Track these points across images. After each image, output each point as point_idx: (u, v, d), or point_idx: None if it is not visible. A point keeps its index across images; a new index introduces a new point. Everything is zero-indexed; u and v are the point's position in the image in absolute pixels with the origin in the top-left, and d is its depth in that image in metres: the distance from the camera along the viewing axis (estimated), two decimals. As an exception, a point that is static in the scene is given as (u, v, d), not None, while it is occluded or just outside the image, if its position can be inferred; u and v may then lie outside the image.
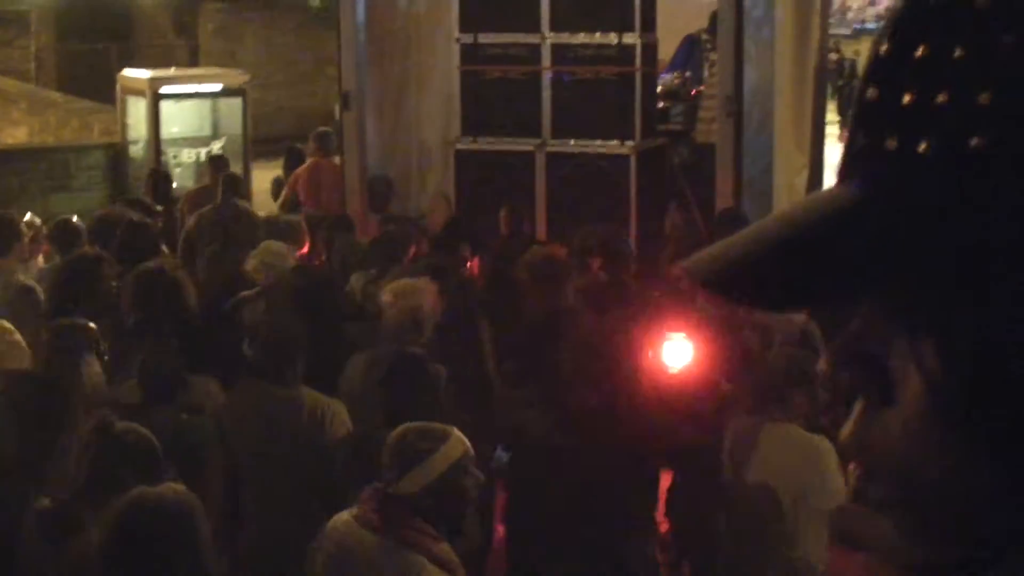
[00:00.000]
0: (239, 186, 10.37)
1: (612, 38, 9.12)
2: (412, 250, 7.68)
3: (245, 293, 6.53)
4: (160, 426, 4.32)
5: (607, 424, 4.71)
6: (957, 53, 0.65)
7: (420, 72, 10.34)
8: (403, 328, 5.59)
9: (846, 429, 0.74)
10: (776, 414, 4.84)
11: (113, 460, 3.69)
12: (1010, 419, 0.65)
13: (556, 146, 9.34)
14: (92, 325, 5.09)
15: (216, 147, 15.67)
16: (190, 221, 8.85)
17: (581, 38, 9.22)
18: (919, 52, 0.67)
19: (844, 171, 0.72)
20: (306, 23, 23.51)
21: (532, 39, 9.32)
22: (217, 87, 16.28)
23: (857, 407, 0.73)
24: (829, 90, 16.27)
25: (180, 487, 3.38)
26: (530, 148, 9.35)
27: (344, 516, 3.71)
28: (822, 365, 0.76)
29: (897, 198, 0.67)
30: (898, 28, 0.70)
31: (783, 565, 4.75)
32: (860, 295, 0.72)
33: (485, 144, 9.51)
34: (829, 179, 15.26)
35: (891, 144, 0.68)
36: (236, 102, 16.05)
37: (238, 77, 16.52)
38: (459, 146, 9.62)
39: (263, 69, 21.43)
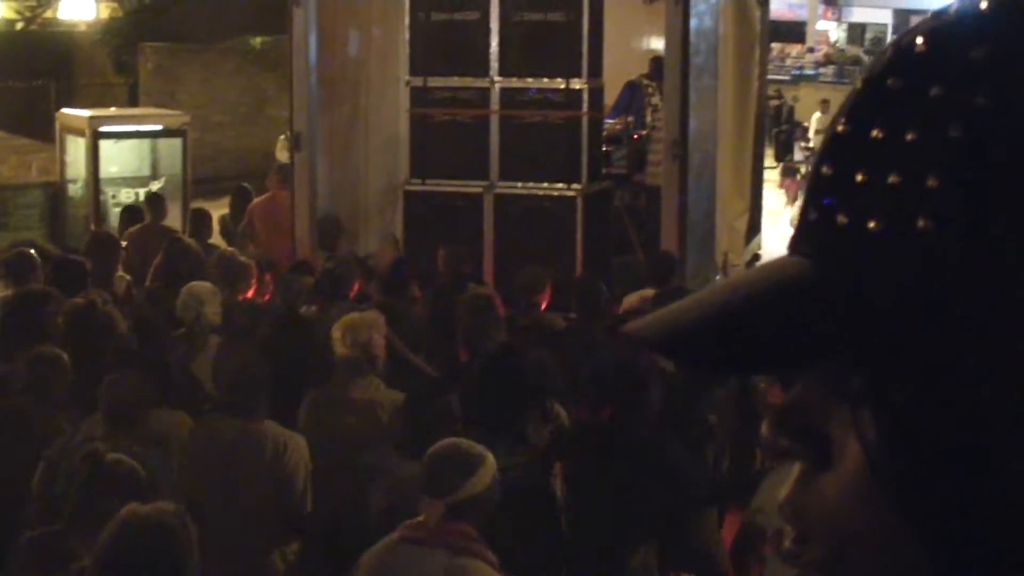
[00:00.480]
0: (206, 223, 10.54)
1: (560, 83, 9.36)
2: (356, 287, 7.86)
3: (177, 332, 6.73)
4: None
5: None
6: (909, 137, 0.68)
7: (369, 114, 10.52)
8: (357, 362, 5.76)
9: (783, 491, 0.76)
10: None
11: (102, 489, 3.80)
12: (943, 491, 0.67)
13: (504, 188, 9.53)
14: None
15: (155, 187, 15.71)
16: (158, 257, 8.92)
17: (529, 83, 9.44)
18: (874, 133, 0.70)
19: (795, 243, 0.75)
20: (246, 64, 23.56)
21: (481, 83, 9.52)
22: (157, 127, 16.34)
23: (795, 470, 0.76)
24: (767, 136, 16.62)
25: (171, 506, 3.51)
26: (478, 190, 9.53)
27: (386, 542, 3.87)
28: (764, 429, 0.77)
29: (844, 273, 0.69)
30: (856, 109, 0.72)
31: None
32: (803, 365, 0.73)
33: (433, 186, 9.67)
34: (767, 223, 15.65)
35: (842, 220, 0.70)
36: (176, 143, 16.11)
37: (178, 118, 16.60)
38: (407, 187, 9.78)
39: (202, 109, 21.45)
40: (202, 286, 7.43)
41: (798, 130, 21.44)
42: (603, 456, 4.65)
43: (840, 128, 0.72)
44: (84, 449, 3.98)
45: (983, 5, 0.70)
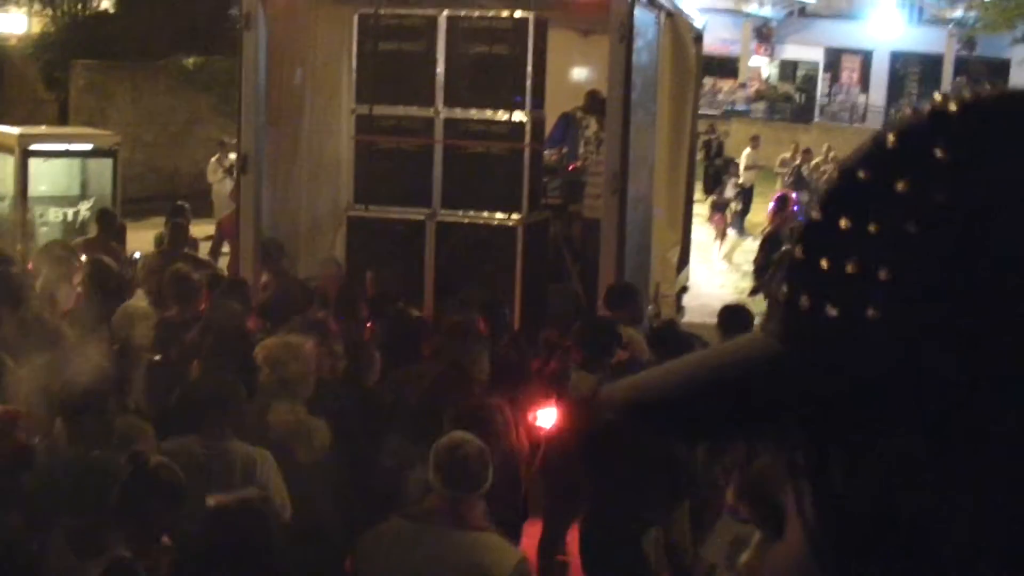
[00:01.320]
0: (185, 235, 10.86)
1: (503, 115, 9.67)
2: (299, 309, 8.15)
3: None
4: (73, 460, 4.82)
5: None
6: (871, 228, 0.70)
7: (312, 139, 10.79)
8: (289, 383, 6.02)
9: (744, 556, 0.98)
10: None
11: (143, 492, 4.18)
12: (873, 567, 0.70)
13: (446, 216, 9.80)
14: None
15: (85, 207, 15.78)
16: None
17: (473, 114, 9.77)
18: (842, 222, 0.72)
19: (765, 320, 0.78)
20: (178, 83, 23.70)
21: (426, 113, 9.81)
22: (88, 147, 16.39)
23: (756, 536, 0.97)
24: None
25: (255, 491, 3.92)
26: (421, 217, 9.80)
27: (400, 521, 4.46)
28: (729, 496, 1.00)
29: (801, 355, 0.72)
30: (829, 197, 0.75)
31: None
32: (762, 438, 0.80)
33: (376, 212, 9.91)
34: (696, 257, 16.13)
35: (804, 304, 0.73)
36: (107, 163, 16.15)
37: (110, 138, 16.65)
38: (351, 213, 10.03)
39: (133, 127, 21.57)
40: (135, 307, 7.69)
41: (731, 165, 21.90)
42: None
43: (814, 215, 0.75)
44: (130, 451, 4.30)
45: (952, 107, 0.73)
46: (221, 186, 18.03)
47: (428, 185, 9.84)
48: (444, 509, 4.40)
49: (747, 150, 23.50)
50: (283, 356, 6.10)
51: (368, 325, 8.16)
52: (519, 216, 9.72)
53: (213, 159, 18.26)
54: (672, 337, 7.55)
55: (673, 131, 11.98)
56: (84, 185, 16.36)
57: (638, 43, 9.32)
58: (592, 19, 11.11)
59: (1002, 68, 42.63)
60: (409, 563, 4.31)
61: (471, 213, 9.80)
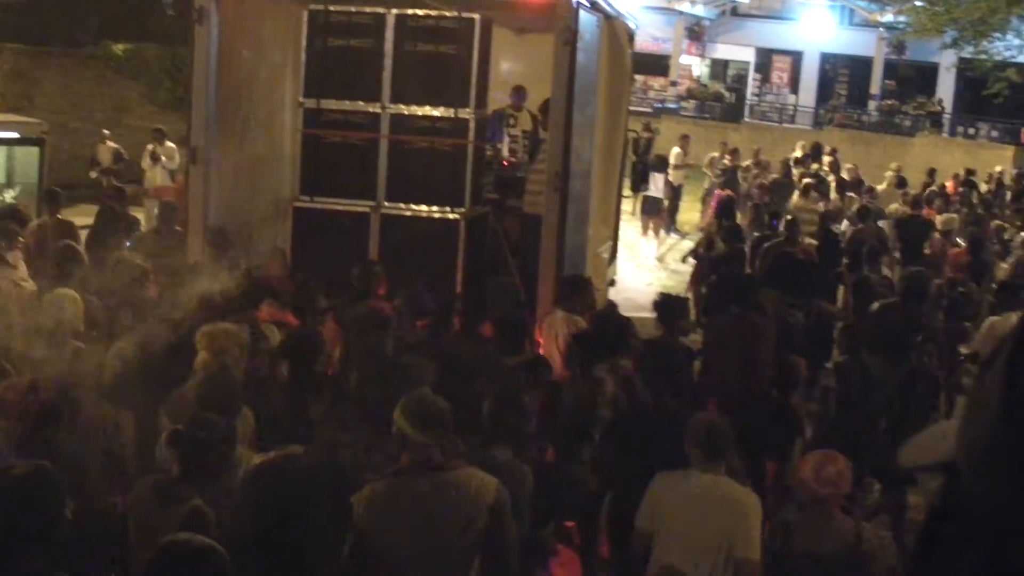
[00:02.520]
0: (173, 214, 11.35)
1: (448, 112, 10.20)
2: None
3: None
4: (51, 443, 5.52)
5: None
6: None
7: (258, 132, 11.22)
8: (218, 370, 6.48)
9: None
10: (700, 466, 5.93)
11: (199, 451, 5.19)
12: None
13: (390, 209, 10.32)
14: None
15: (10, 195, 16.02)
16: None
17: (419, 110, 10.28)
18: None
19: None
20: (107, 71, 23.85)
21: (373, 108, 10.32)
22: (14, 135, 16.56)
23: None
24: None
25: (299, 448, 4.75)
26: (366, 210, 10.32)
27: (387, 480, 5.06)
28: None
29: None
30: None
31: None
32: None
33: (322, 203, 10.41)
34: (624, 255, 16.76)
35: None
36: (33, 151, 16.37)
37: (37, 126, 16.81)
38: (297, 204, 10.52)
39: (60, 115, 21.74)
40: (64, 293, 8.07)
41: (663, 163, 22.46)
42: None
43: None
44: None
45: None
46: (152, 173, 18.35)
47: (373, 178, 10.34)
48: (422, 459, 5.00)
49: (676, 149, 23.92)
50: (221, 340, 6.68)
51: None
52: (462, 210, 10.25)
53: (149, 146, 18.55)
54: (612, 319, 8.30)
55: (608, 130, 12.53)
56: (10, 173, 16.59)
57: (580, 45, 9.78)
58: (529, 18, 11.68)
59: (930, 72, 43.92)
60: (407, 512, 4.91)
61: (415, 207, 10.31)
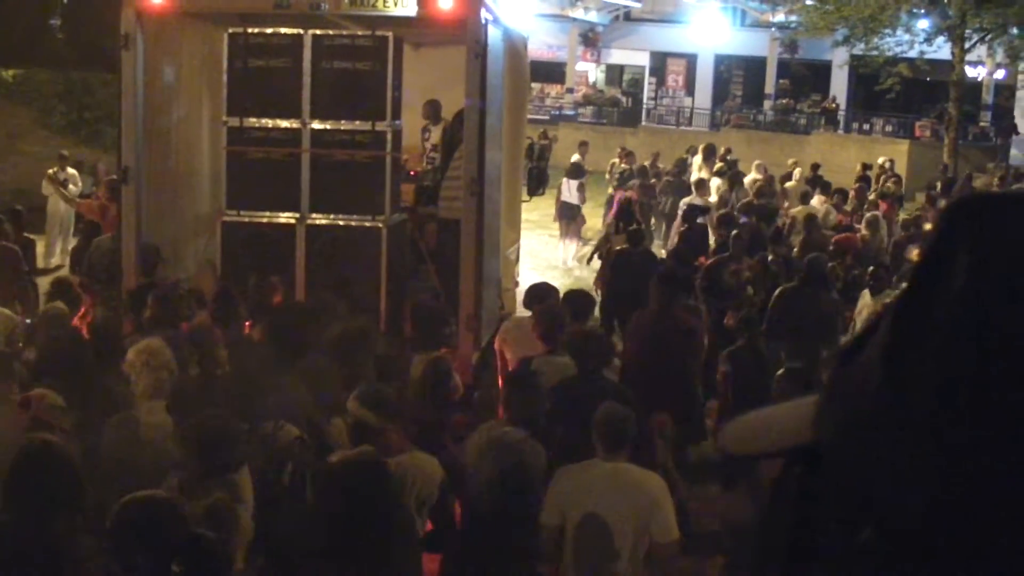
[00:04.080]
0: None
1: (366, 125, 11.09)
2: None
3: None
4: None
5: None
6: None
7: (181, 150, 12.04)
8: (161, 383, 7.22)
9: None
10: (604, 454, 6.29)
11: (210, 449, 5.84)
12: None
13: (314, 220, 11.18)
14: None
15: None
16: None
17: (338, 125, 11.15)
18: None
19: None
20: (-4, 97, 24.35)
21: (294, 124, 11.17)
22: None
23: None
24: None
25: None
26: (291, 221, 11.18)
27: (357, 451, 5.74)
28: None
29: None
30: None
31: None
32: None
33: (248, 216, 11.22)
34: (528, 262, 17.79)
35: None
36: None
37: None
38: (224, 217, 11.32)
39: (-48, 143, 22.20)
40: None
41: (580, 170, 23.19)
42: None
43: None
44: None
45: None
46: (55, 199, 18.92)
47: (297, 191, 11.18)
48: (377, 443, 5.82)
49: (575, 156, 24.71)
50: (156, 360, 7.26)
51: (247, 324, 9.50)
52: (382, 218, 11.15)
53: (50, 171, 19.12)
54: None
55: (511, 136, 13.51)
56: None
57: (488, 57, 10.71)
58: (429, 34, 12.63)
59: (824, 70, 45.72)
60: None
61: (338, 216, 11.19)
